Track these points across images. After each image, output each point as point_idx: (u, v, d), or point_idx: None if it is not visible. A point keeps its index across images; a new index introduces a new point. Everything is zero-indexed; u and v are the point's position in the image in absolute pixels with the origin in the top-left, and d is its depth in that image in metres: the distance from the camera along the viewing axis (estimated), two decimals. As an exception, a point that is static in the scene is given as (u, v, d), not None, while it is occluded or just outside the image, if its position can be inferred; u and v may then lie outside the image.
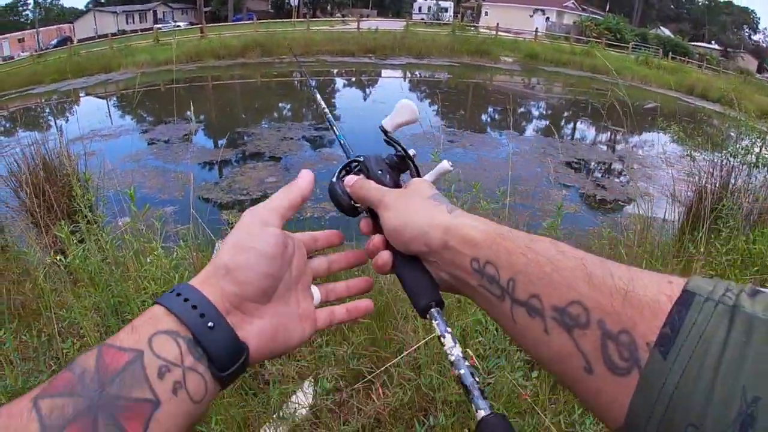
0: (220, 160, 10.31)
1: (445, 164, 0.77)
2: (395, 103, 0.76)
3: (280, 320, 0.61)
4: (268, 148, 11.32)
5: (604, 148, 14.95)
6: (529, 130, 16.94)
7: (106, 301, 2.94)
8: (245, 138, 12.06)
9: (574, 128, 18.30)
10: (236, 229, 0.60)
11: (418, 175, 0.79)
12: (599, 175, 12.00)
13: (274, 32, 27.64)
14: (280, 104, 17.51)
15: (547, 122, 19.19)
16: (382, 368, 2.72)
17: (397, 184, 0.75)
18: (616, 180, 11.64)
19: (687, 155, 6.51)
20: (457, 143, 12.61)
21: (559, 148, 13.42)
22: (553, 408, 2.57)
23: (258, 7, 54.95)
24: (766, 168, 5.92)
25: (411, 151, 0.79)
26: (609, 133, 15.98)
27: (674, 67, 34.74)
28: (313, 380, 2.78)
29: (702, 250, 3.59)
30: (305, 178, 0.72)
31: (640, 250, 3.96)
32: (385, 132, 0.80)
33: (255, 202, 8.02)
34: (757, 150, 6.00)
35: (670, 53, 42.62)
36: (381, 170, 0.75)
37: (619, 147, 14.97)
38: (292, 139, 12.10)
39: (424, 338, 2.71)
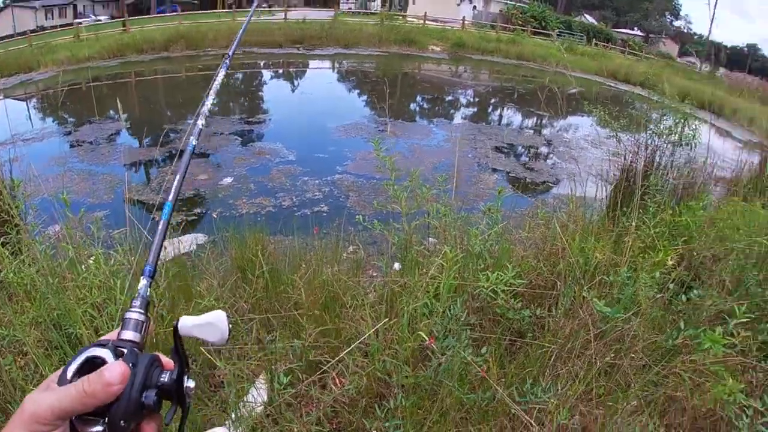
0: (148, 160, 9.99)
1: None
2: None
3: None
4: (205, 144, 11.04)
5: (532, 132, 15.38)
6: (458, 118, 17.15)
7: (47, 314, 2.81)
8: (172, 135, 11.66)
9: (502, 114, 18.64)
10: None
11: (184, 421, 0.68)
12: (528, 159, 12.34)
13: (198, 24, 26.91)
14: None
15: (476, 109, 19.51)
16: (336, 358, 2.72)
17: None
18: (544, 162, 11.98)
19: (613, 136, 6.76)
20: (388, 132, 12.64)
21: (489, 134, 13.68)
22: (504, 381, 2.63)
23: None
24: (688, 146, 6.21)
25: (191, 384, 0.67)
26: (535, 118, 16.37)
27: (598, 53, 35.97)
28: (267, 376, 2.79)
29: (633, 224, 3.72)
30: (110, 384, 0.60)
31: (574, 227, 4.07)
32: (176, 336, 0.69)
33: (187, 201, 7.84)
34: (679, 129, 6.27)
35: (594, 40, 43.92)
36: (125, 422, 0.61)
37: (545, 131, 15.42)
38: (221, 134, 11.83)
39: (374, 325, 2.73)
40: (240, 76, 21.57)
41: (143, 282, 0.72)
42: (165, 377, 0.65)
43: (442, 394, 2.51)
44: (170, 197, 0.81)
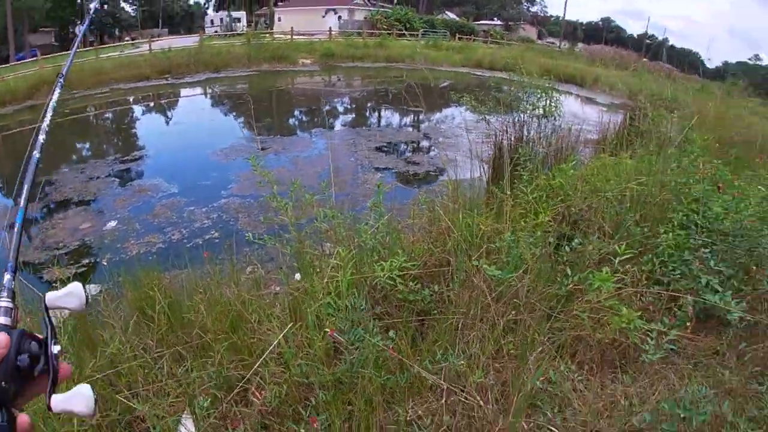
0: (26, 218, 9.30)
1: (84, 390, 0.74)
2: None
3: None
4: (74, 193, 10.36)
5: (410, 128, 15.76)
6: (337, 125, 17.32)
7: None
8: (47, 188, 10.90)
9: (379, 116, 19.00)
10: None
11: (53, 383, 0.75)
12: (408, 153, 12.78)
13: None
14: (77, 144, 16.09)
15: (353, 115, 19.81)
16: (251, 371, 2.73)
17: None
18: (425, 154, 12.37)
19: (482, 119, 7.12)
20: (269, 149, 12.57)
21: (368, 136, 13.95)
22: (419, 359, 2.72)
23: (41, 41, 50.01)
24: (553, 117, 6.65)
25: (56, 348, 0.76)
26: (412, 115, 16.77)
27: (462, 46, 37.46)
28: (189, 410, 2.76)
29: (508, 192, 3.94)
30: None
31: (455, 206, 4.24)
32: (45, 308, 0.80)
33: (73, 253, 7.46)
34: (543, 103, 6.69)
35: (457, 34, 45.63)
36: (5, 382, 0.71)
37: (422, 125, 15.85)
38: (98, 178, 11.18)
39: (281, 334, 2.75)
40: (109, 115, 20.63)
41: (7, 276, 0.81)
42: (34, 344, 0.76)
43: (362, 384, 2.56)
44: (21, 204, 0.89)
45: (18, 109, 20.65)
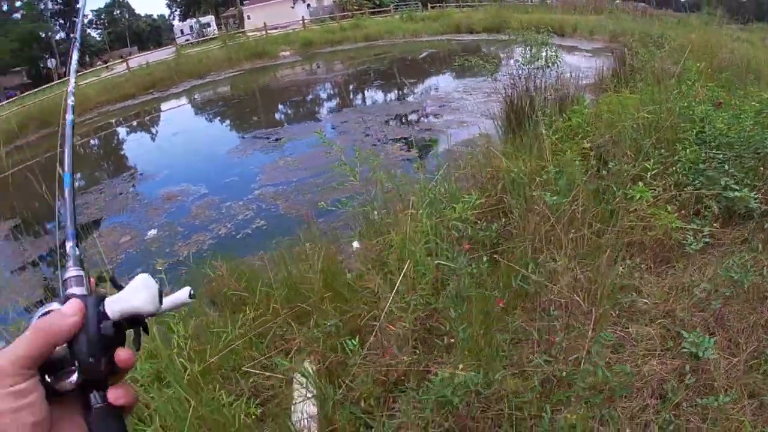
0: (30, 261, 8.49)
1: (184, 294, 0.76)
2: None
3: None
4: (102, 212, 10.50)
5: (409, 100, 16.12)
6: (337, 108, 17.46)
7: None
8: (79, 210, 10.82)
9: (373, 93, 19.22)
10: None
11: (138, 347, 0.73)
12: (418, 121, 13.32)
13: (41, 101, 24.87)
14: (86, 170, 15.49)
15: (351, 95, 19.93)
16: (383, 310, 3.24)
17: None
18: (434, 120, 12.71)
19: (488, 79, 7.65)
20: (283, 139, 12.99)
21: (371, 113, 14.37)
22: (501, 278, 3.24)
23: (13, 82, 49.94)
24: (554, 65, 7.22)
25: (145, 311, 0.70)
26: (406, 88, 17.11)
27: (437, 14, 37.46)
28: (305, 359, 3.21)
29: (543, 131, 4.50)
30: (65, 315, 0.64)
31: (494, 152, 4.80)
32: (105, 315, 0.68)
33: (121, 265, 7.68)
34: (543, 55, 7.23)
35: (429, 3, 45.61)
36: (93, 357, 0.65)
37: (419, 96, 16.30)
38: (121, 194, 11.37)
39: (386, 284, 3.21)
40: (103, 138, 20.15)
41: (69, 244, 0.74)
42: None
43: (475, 304, 3.05)
44: (66, 168, 0.81)
45: (9, 151, 19.83)
